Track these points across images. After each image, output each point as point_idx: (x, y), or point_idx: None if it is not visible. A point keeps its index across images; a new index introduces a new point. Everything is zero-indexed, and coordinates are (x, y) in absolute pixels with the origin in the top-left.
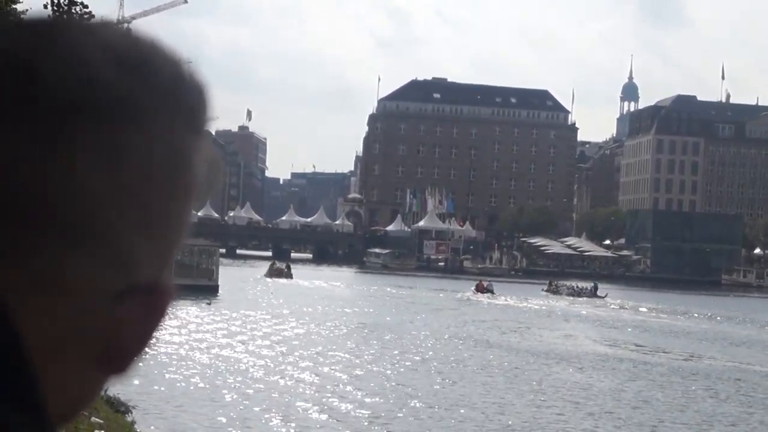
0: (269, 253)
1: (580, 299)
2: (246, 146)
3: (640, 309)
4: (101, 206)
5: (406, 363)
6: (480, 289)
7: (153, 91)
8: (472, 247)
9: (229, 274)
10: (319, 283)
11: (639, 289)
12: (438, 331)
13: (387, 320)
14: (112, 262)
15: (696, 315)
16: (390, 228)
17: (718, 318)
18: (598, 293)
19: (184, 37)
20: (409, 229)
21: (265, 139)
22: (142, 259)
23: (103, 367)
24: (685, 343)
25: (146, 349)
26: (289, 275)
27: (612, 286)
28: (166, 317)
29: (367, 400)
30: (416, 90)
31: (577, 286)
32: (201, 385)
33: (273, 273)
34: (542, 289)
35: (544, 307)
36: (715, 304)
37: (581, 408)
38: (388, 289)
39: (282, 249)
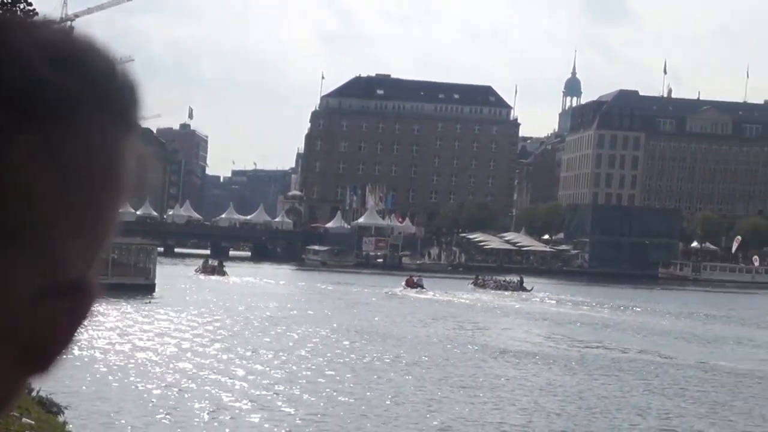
0: (208, 252)
1: (507, 293)
2: (187, 144)
3: (568, 302)
4: (32, 204)
5: (334, 359)
6: (410, 283)
7: (85, 89)
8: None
9: (166, 273)
10: (252, 280)
11: (575, 284)
12: (365, 327)
13: (313, 316)
14: (40, 260)
15: (629, 308)
16: (330, 225)
17: (650, 311)
18: (524, 286)
19: (126, 34)
20: (349, 226)
21: (207, 137)
22: (70, 257)
23: (25, 366)
24: (618, 337)
25: (69, 348)
26: (221, 272)
27: (550, 280)
28: (91, 316)
29: (301, 396)
30: (359, 86)
31: (504, 280)
32: (134, 383)
33: (206, 270)
34: (469, 284)
35: (471, 301)
36: (649, 298)
37: (516, 403)
38: (322, 285)
39: (221, 247)
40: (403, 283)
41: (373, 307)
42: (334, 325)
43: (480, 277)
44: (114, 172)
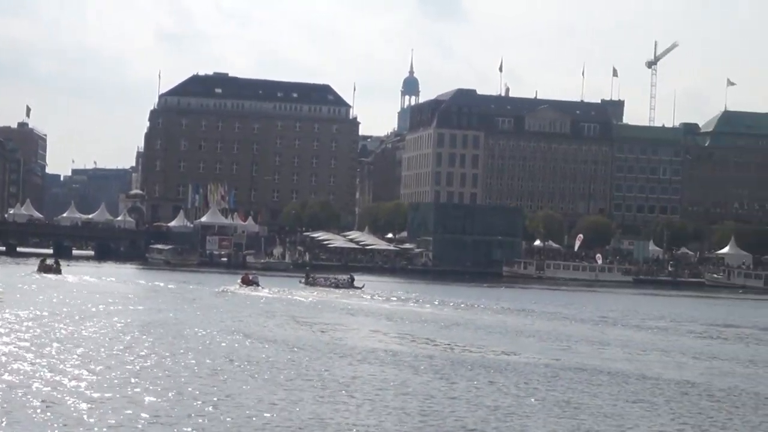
0: (50, 251)
1: (338, 290)
2: (26, 143)
3: (406, 300)
4: None
5: (167, 360)
6: (246, 281)
7: None
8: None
9: (8, 272)
10: (93, 279)
11: (419, 282)
12: (199, 326)
13: (140, 314)
14: None
15: (468, 306)
16: (172, 224)
17: (493, 309)
18: (355, 284)
19: None
20: (192, 225)
21: (45, 135)
22: None
23: None
24: (461, 335)
25: None
26: (58, 271)
27: (394, 279)
28: None
29: (112, 397)
30: (198, 85)
31: (334, 278)
32: None
33: (42, 269)
34: (299, 281)
35: (305, 299)
36: (491, 296)
37: (366, 403)
38: (161, 284)
39: (63, 246)
40: (239, 280)
41: (205, 305)
42: (166, 322)
43: (311, 275)
44: None
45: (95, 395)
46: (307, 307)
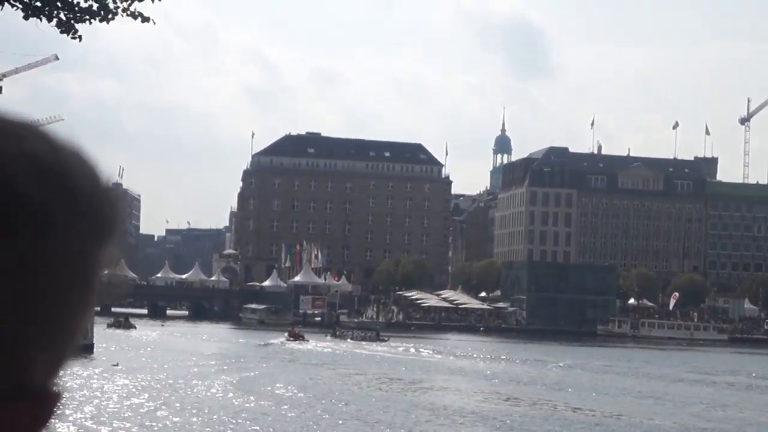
0: (145, 311)
1: (364, 343)
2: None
3: (503, 360)
4: (5, 318)
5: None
6: (292, 335)
7: (67, 206)
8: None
9: (104, 332)
10: (154, 335)
11: (511, 341)
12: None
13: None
14: (4, 366)
15: (563, 365)
16: (266, 283)
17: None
18: (381, 337)
19: (53, 92)
20: (285, 284)
21: (139, 195)
22: (34, 365)
23: None
24: (554, 395)
25: None
26: (128, 326)
27: (486, 338)
28: (52, 421)
29: None
30: (290, 145)
31: (361, 332)
32: None
33: (115, 324)
34: (326, 336)
35: (362, 351)
36: (581, 354)
37: None
38: (225, 340)
39: (158, 306)
40: (286, 334)
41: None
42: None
43: (338, 330)
44: (85, 288)
45: None
46: (366, 360)
